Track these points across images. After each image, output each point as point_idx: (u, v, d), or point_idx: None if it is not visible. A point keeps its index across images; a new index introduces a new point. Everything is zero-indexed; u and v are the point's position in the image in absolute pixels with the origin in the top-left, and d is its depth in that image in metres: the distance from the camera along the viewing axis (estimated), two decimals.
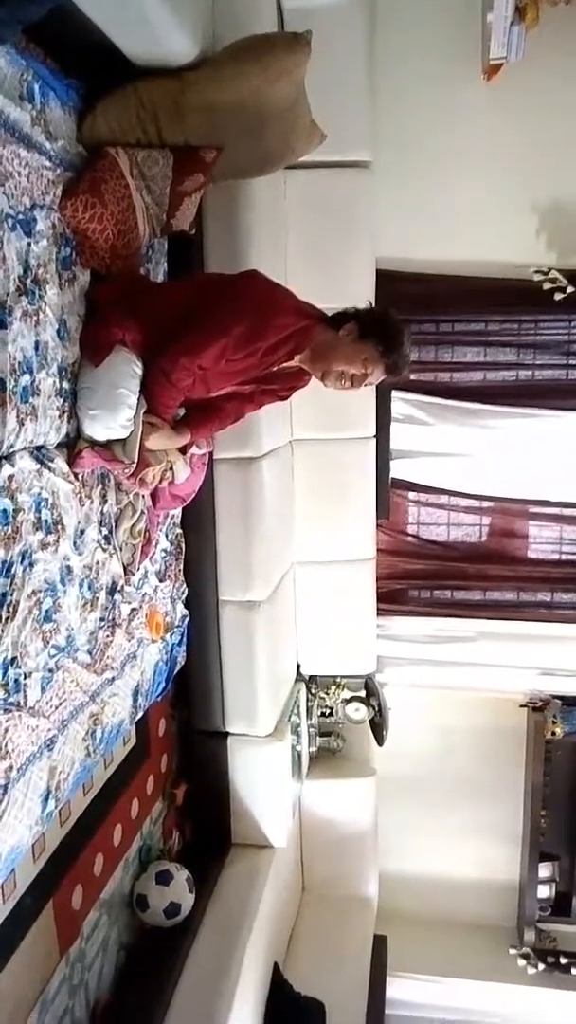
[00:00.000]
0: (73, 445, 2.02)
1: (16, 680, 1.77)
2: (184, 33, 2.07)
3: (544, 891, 3.98)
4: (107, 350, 1.99)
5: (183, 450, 2.31)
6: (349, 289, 3.30)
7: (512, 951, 3.88)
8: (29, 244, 1.78)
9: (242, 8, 2.48)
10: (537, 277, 3.38)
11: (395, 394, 3.54)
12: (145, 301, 2.09)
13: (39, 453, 1.87)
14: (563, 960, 3.84)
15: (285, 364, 2.19)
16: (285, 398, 2.44)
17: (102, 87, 2.06)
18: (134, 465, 2.11)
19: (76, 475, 2.00)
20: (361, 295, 3.32)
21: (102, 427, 2.00)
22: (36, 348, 1.81)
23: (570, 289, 3.36)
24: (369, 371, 2.11)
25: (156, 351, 2.03)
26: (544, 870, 3.96)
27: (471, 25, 3.16)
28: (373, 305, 2.32)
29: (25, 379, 1.77)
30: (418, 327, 3.60)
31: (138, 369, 2.02)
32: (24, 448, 1.80)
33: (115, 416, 1.99)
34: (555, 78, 3.27)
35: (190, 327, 2.03)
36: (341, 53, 3.01)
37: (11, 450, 1.75)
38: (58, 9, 1.51)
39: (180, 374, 2.04)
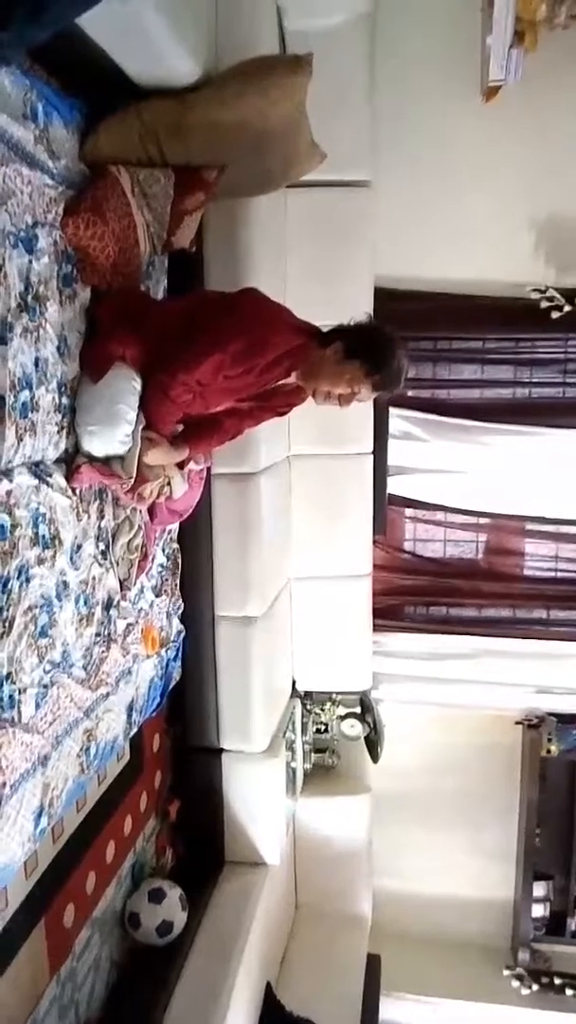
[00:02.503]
0: (71, 460, 2.02)
1: (11, 696, 1.76)
2: (187, 55, 2.10)
3: (538, 910, 3.96)
4: (106, 366, 2.00)
5: (181, 465, 2.32)
6: (348, 307, 3.31)
7: (506, 972, 3.85)
8: (30, 261, 1.79)
9: (244, 30, 2.50)
10: (535, 295, 3.41)
11: (392, 411, 3.55)
12: (145, 318, 2.10)
13: (37, 468, 1.87)
14: (557, 981, 3.81)
15: (283, 381, 2.20)
16: (284, 414, 2.45)
17: (105, 107, 2.08)
18: (132, 480, 2.11)
19: (74, 490, 2.00)
20: (360, 313, 3.36)
21: (100, 443, 2.01)
22: (36, 364, 1.82)
23: (567, 307, 3.39)
24: (356, 390, 2.09)
25: (155, 367, 2.04)
26: (538, 889, 3.94)
27: (470, 47, 3.19)
28: (371, 318, 2.32)
29: (24, 395, 1.78)
30: (416, 344, 3.62)
31: (137, 385, 2.03)
32: (22, 464, 1.81)
33: (113, 432, 2.00)
34: (553, 100, 3.31)
35: (188, 343, 2.04)
36: (342, 74, 3.04)
37: (9, 466, 1.75)
38: (63, 31, 1.53)
39: (178, 390, 2.05)
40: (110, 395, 1.98)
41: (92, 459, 2.03)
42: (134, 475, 2.09)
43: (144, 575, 2.47)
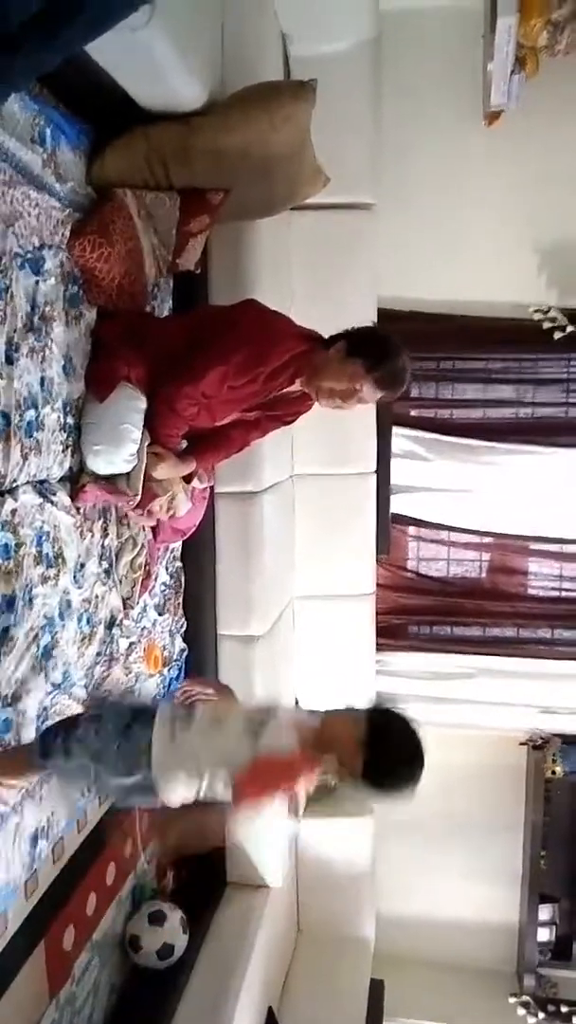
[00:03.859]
0: (76, 479, 2.03)
1: (8, 719, 1.76)
2: (193, 80, 2.13)
3: (544, 934, 3.90)
4: (112, 386, 2.01)
5: (188, 479, 2.32)
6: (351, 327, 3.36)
7: (512, 999, 3.80)
8: (37, 282, 1.81)
9: (249, 56, 2.54)
10: (537, 316, 3.43)
11: (396, 430, 3.56)
12: (148, 336, 2.12)
13: (42, 487, 1.88)
14: (564, 1009, 3.75)
15: (287, 388, 2.21)
16: (290, 423, 2.46)
17: (112, 131, 2.11)
18: (138, 497, 2.12)
19: (78, 509, 2.01)
20: (364, 321, 3.38)
21: (105, 462, 2.02)
22: (42, 384, 1.84)
23: (570, 328, 3.40)
24: (358, 387, 2.10)
25: (160, 383, 2.06)
26: (544, 912, 3.89)
27: (473, 73, 3.24)
28: (375, 325, 2.33)
29: (30, 414, 1.79)
30: (419, 364, 3.62)
31: (142, 404, 2.04)
32: (27, 482, 1.82)
33: (119, 451, 2.01)
34: (554, 125, 3.34)
35: (192, 358, 2.06)
36: (346, 99, 3.08)
37: (14, 484, 1.76)
38: (72, 57, 1.55)
39: (183, 403, 2.06)
40: (115, 414, 2.00)
41: (97, 477, 2.04)
42: (140, 492, 2.10)
43: (147, 593, 2.47)
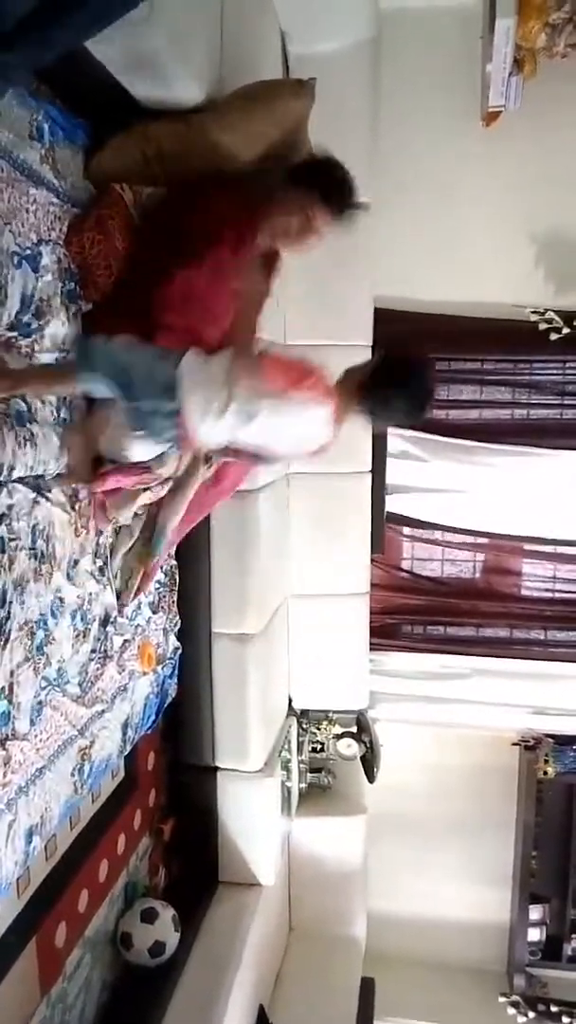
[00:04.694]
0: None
1: (6, 712, 1.76)
2: (192, 78, 2.12)
3: (535, 934, 3.92)
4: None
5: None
6: (348, 327, 3.37)
7: (502, 999, 3.81)
8: (37, 279, 1.81)
9: (248, 54, 2.54)
10: (533, 317, 3.44)
11: (391, 430, 3.57)
12: (127, 297, 2.05)
13: (37, 482, 1.88)
14: (553, 1008, 3.76)
15: (256, 248, 2.17)
16: (270, 287, 2.42)
17: (110, 126, 2.11)
18: (166, 477, 2.12)
19: (73, 506, 2.01)
20: (360, 334, 3.39)
21: (144, 448, 2.00)
22: None
23: (565, 330, 3.41)
24: (310, 213, 2.08)
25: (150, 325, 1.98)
26: (535, 912, 3.90)
27: (471, 73, 3.24)
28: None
29: (19, 404, 1.79)
30: None
31: None
32: (23, 476, 1.81)
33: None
34: (552, 126, 3.35)
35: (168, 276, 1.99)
36: (344, 98, 3.07)
37: (10, 476, 1.76)
38: (70, 53, 1.55)
39: (170, 316, 1.97)
40: None
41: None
42: (172, 472, 2.10)
43: (151, 582, 2.45)
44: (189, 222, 2.05)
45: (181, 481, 2.21)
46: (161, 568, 2.70)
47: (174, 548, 2.80)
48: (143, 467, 2.04)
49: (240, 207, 2.08)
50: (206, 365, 1.78)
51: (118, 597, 2.30)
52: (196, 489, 2.26)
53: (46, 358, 1.88)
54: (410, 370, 1.90)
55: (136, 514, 2.25)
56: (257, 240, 2.14)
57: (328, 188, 2.09)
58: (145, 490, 2.17)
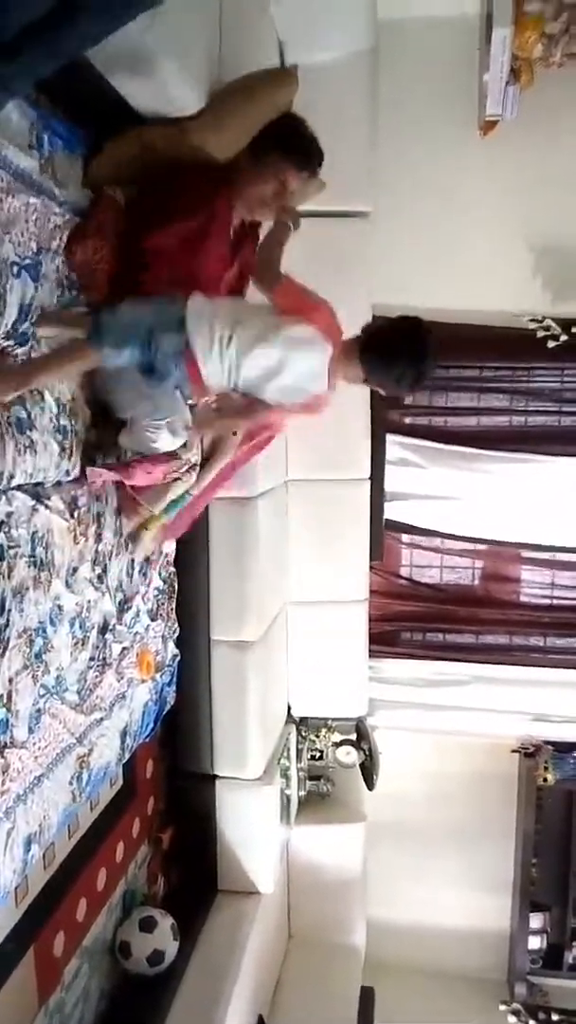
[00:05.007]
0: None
1: (4, 720, 1.75)
2: (190, 86, 2.13)
3: (535, 942, 3.90)
4: None
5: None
6: (346, 334, 3.37)
7: (503, 1007, 3.79)
8: (36, 288, 1.81)
9: (246, 63, 2.53)
10: (531, 325, 3.45)
11: (390, 437, 3.57)
12: (122, 287, 2.06)
13: (36, 489, 1.88)
14: (554, 1017, 3.74)
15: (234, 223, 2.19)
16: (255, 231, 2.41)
17: (109, 134, 2.12)
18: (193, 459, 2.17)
19: (72, 513, 2.01)
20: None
21: (172, 437, 2.03)
22: None
23: (563, 337, 3.42)
24: (282, 179, 2.10)
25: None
26: (535, 921, 3.89)
27: (469, 83, 3.27)
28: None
29: (20, 411, 1.79)
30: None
31: None
32: (22, 484, 1.82)
33: (183, 415, 2.03)
34: (549, 135, 3.38)
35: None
36: (343, 106, 3.09)
37: (10, 484, 1.76)
38: (70, 63, 1.56)
39: (161, 270, 2.02)
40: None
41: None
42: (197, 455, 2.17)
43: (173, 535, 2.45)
44: (168, 201, 2.08)
45: (210, 462, 2.23)
46: (160, 575, 2.70)
47: (173, 555, 2.80)
48: (170, 456, 2.06)
49: (214, 181, 2.11)
50: (213, 302, 1.85)
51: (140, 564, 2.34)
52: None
53: None
54: (420, 335, 1.94)
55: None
56: (233, 212, 2.16)
57: (300, 151, 2.13)
58: (176, 479, 2.20)
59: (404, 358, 1.92)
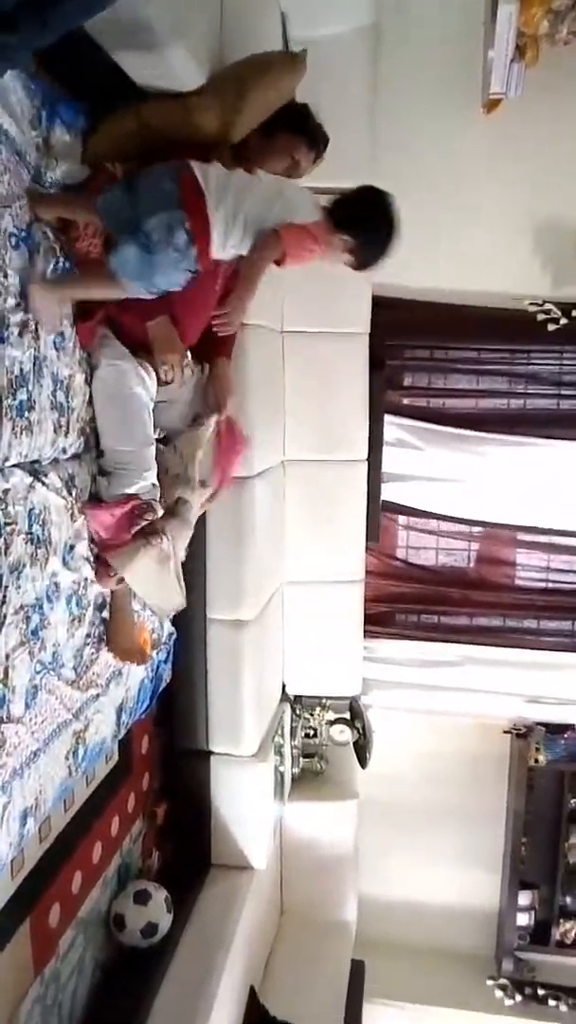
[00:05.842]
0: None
1: (1, 696, 1.77)
2: (191, 60, 2.10)
3: (523, 919, 3.96)
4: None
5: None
6: (345, 315, 3.37)
7: (490, 982, 3.86)
8: (30, 260, 1.80)
9: (248, 36, 2.51)
10: (531, 308, 3.43)
11: (387, 418, 3.57)
12: None
13: (33, 467, 1.88)
14: (540, 991, 3.82)
15: None
16: None
17: (109, 109, 2.09)
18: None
19: (69, 491, 2.01)
20: (357, 321, 3.38)
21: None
22: (34, 363, 1.83)
23: (563, 320, 3.41)
24: (295, 156, 2.23)
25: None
26: (524, 898, 3.95)
27: (472, 60, 3.22)
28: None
29: (22, 393, 1.78)
30: (412, 353, 3.64)
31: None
32: (19, 462, 1.82)
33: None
34: (553, 115, 3.33)
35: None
36: (344, 83, 3.06)
37: (6, 464, 1.76)
38: (69, 34, 1.54)
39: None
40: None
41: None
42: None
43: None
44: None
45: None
46: None
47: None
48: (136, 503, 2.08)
49: (211, 159, 2.08)
50: (210, 166, 1.93)
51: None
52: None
53: (47, 343, 1.88)
54: (381, 195, 2.15)
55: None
56: None
57: (312, 132, 2.27)
58: (147, 544, 2.13)
59: (379, 218, 2.10)
